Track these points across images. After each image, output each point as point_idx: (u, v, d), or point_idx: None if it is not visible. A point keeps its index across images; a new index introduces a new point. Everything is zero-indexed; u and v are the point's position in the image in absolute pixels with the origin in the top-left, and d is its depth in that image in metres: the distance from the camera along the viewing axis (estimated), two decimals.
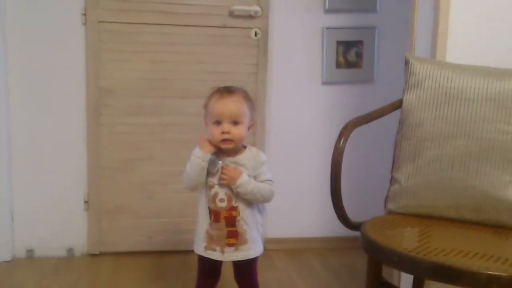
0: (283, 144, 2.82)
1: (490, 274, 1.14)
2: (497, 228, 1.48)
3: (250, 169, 1.67)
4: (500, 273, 1.14)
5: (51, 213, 2.65)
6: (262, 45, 2.72)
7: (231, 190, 1.64)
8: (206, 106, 1.70)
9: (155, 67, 2.64)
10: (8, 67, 2.52)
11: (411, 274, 1.33)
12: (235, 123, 1.62)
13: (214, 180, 1.65)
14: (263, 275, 2.19)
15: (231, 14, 2.65)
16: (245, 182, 1.62)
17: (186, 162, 2.68)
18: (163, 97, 2.66)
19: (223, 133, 1.61)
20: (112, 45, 2.59)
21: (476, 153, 1.48)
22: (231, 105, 1.62)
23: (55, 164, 2.63)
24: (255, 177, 1.67)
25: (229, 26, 2.67)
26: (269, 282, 2.41)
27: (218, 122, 1.62)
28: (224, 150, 1.65)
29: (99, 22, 2.56)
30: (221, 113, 1.62)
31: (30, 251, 2.65)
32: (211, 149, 1.63)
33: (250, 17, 2.67)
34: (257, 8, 2.66)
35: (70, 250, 2.70)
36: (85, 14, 2.54)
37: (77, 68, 2.58)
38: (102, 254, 2.71)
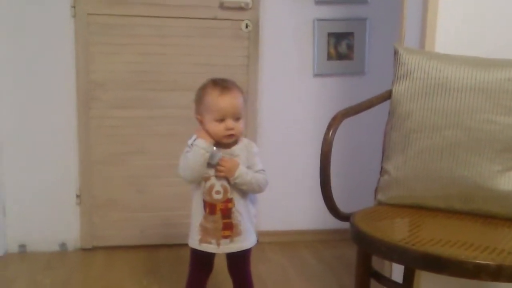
0: (274, 136, 2.82)
1: (477, 263, 1.14)
2: (486, 218, 1.49)
3: (244, 159, 1.67)
4: (488, 262, 1.14)
5: (43, 208, 2.65)
6: (253, 37, 2.71)
7: (228, 181, 1.64)
8: (200, 101, 1.68)
9: (146, 59, 2.63)
10: None
11: (400, 264, 1.34)
12: (237, 118, 1.63)
13: (210, 172, 1.64)
14: (256, 268, 2.20)
15: (222, 6, 2.64)
16: (243, 173, 1.63)
17: (177, 154, 2.68)
18: (153, 90, 2.66)
19: (227, 129, 1.61)
20: (102, 37, 2.58)
21: (465, 144, 1.48)
22: (233, 102, 1.62)
23: (47, 158, 2.62)
24: (248, 168, 1.67)
25: (219, 18, 2.66)
26: (262, 275, 2.42)
27: (221, 119, 1.61)
28: (221, 142, 1.65)
29: (88, 14, 2.54)
30: (225, 110, 1.61)
31: (22, 246, 2.65)
32: (212, 140, 1.63)
33: (241, 9, 2.67)
34: (248, 0, 2.65)
35: (62, 245, 2.70)
36: (74, 7, 2.53)
37: (66, 61, 2.56)
38: (94, 248, 2.71)
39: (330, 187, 1.49)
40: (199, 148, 1.61)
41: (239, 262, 1.77)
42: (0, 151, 2.57)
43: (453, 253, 1.18)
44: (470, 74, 1.50)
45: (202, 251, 1.70)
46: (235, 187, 1.65)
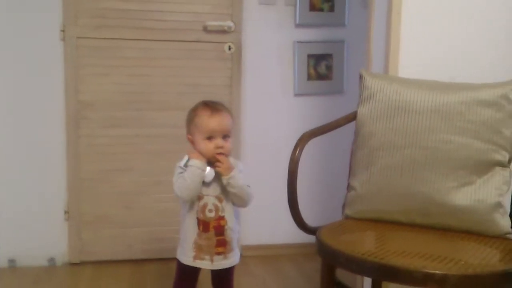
0: (257, 153, 2.92)
1: (425, 272, 1.25)
2: (444, 231, 1.59)
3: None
4: (435, 271, 1.25)
5: (33, 224, 2.72)
6: (236, 58, 2.83)
7: (219, 200, 1.72)
8: (191, 121, 1.77)
9: (133, 80, 2.74)
10: None
11: (358, 274, 1.44)
12: (225, 137, 1.72)
13: (203, 191, 1.72)
14: (239, 281, 2.27)
15: (205, 29, 2.76)
16: (237, 175, 1.70)
17: (164, 172, 2.78)
18: (141, 109, 2.76)
19: (217, 148, 1.69)
20: (91, 60, 2.69)
21: (422, 162, 1.59)
22: (222, 122, 1.72)
23: (36, 175, 2.70)
24: None
25: (203, 40, 2.77)
26: None
27: (210, 138, 1.70)
28: (212, 161, 1.72)
29: (77, 38, 2.65)
30: (214, 129, 1.70)
31: (12, 261, 2.72)
32: (204, 159, 1.71)
33: (224, 32, 2.78)
34: (230, 24, 2.77)
35: (51, 260, 2.76)
36: (63, 31, 2.63)
37: (56, 82, 2.66)
38: (82, 263, 2.77)
39: (297, 203, 1.60)
40: (195, 168, 1.68)
41: (225, 276, 1.85)
42: None
43: (405, 263, 1.29)
44: (427, 97, 1.61)
45: (190, 267, 1.77)
46: (226, 191, 1.71)
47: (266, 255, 2.96)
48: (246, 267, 2.78)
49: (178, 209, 2.81)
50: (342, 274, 1.57)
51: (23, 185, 2.70)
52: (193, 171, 1.68)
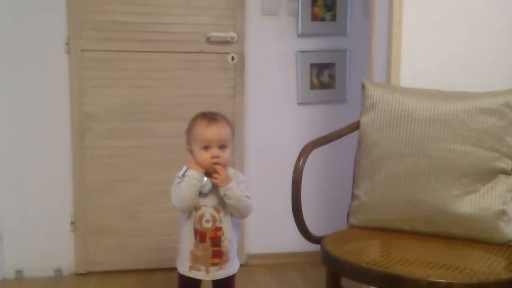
0: (261, 162, 2.93)
1: (430, 281, 1.26)
2: (448, 239, 1.60)
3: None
4: (439, 280, 1.26)
5: (39, 235, 2.74)
6: (238, 69, 2.85)
7: (217, 211, 1.73)
8: (189, 131, 1.78)
9: (137, 92, 2.76)
10: None
11: (363, 283, 1.45)
12: (222, 147, 1.72)
13: (200, 201, 1.73)
14: None
15: (208, 41, 2.78)
16: (234, 187, 1.69)
17: (168, 182, 2.79)
18: (144, 120, 2.78)
19: (213, 157, 1.70)
20: (95, 72, 2.71)
21: (426, 170, 1.60)
22: (219, 131, 1.72)
23: (42, 187, 2.72)
24: None
25: (206, 51, 2.80)
26: None
27: (206, 147, 1.71)
28: (210, 172, 1.73)
29: (82, 50, 2.67)
30: (210, 139, 1.71)
31: (19, 272, 2.73)
32: (202, 170, 1.72)
33: (227, 42, 2.81)
34: (233, 34, 2.79)
35: (58, 270, 2.78)
36: (68, 43, 2.66)
37: (61, 94, 2.69)
38: (88, 273, 2.79)
39: (301, 212, 1.61)
40: (191, 178, 1.69)
41: (225, 286, 1.85)
42: None
43: (409, 271, 1.29)
44: (430, 106, 1.63)
45: (189, 278, 1.78)
46: (224, 202, 1.71)
47: (271, 264, 2.97)
48: (251, 276, 2.79)
49: (181, 222, 2.84)
50: (347, 283, 1.58)
51: (30, 196, 2.72)
52: (189, 181, 1.69)
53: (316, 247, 2.83)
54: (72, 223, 2.77)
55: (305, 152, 1.64)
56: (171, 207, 2.77)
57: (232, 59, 2.83)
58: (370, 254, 1.48)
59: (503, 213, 1.56)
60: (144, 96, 2.77)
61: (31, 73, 2.66)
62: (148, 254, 2.84)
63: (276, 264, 2.96)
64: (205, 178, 1.71)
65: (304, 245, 2.96)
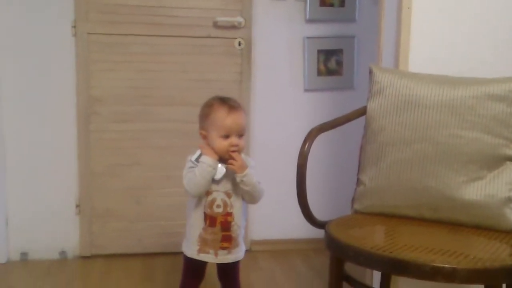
0: (267, 149, 2.93)
1: (434, 266, 1.25)
2: (453, 225, 1.59)
3: None
4: (444, 265, 1.25)
5: (44, 218, 2.75)
6: (245, 54, 2.83)
7: (228, 196, 1.73)
8: (206, 117, 1.75)
9: (143, 76, 2.75)
10: (2, 78, 2.63)
11: (366, 267, 1.45)
12: (240, 135, 1.72)
13: (212, 186, 1.72)
14: (247, 276, 2.29)
15: (215, 25, 2.77)
16: (250, 173, 1.70)
17: (173, 166, 2.79)
18: (150, 104, 2.77)
19: (231, 146, 1.70)
20: (102, 55, 2.71)
21: (433, 156, 1.58)
22: (239, 120, 1.72)
23: (48, 170, 2.74)
24: None
25: (213, 36, 2.78)
26: (253, 283, 2.51)
27: (226, 136, 1.70)
28: (225, 158, 1.72)
29: (88, 33, 2.67)
30: (231, 128, 1.69)
31: (24, 254, 2.75)
32: (216, 156, 1.71)
33: (234, 27, 2.79)
34: (240, 19, 2.77)
35: (62, 253, 2.80)
36: (75, 27, 2.65)
37: (68, 77, 2.69)
38: (93, 256, 2.81)
39: (306, 197, 1.60)
40: (206, 165, 1.68)
41: (231, 271, 1.86)
42: (4, 164, 2.68)
43: (414, 257, 1.29)
44: (437, 91, 1.61)
45: (197, 260, 1.78)
46: (236, 186, 1.71)
47: (275, 250, 2.97)
48: (255, 262, 2.80)
49: (189, 206, 2.84)
50: (351, 268, 1.57)
51: (35, 179, 2.73)
52: (204, 168, 1.68)
53: (320, 234, 2.84)
54: (77, 206, 2.78)
55: (310, 137, 1.63)
56: (177, 191, 2.81)
57: (239, 44, 2.81)
58: (374, 239, 1.48)
59: (509, 200, 1.55)
60: (150, 80, 2.76)
61: (37, 56, 2.66)
62: (152, 238, 2.85)
63: (279, 250, 2.97)
64: (219, 165, 1.70)
65: (308, 232, 2.97)
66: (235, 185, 1.73)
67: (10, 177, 2.70)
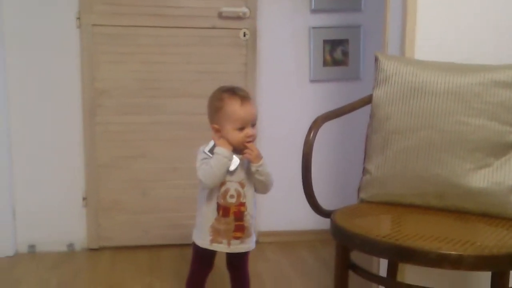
0: (273, 140, 2.91)
1: (440, 253, 1.24)
2: (459, 213, 1.57)
3: None
4: (450, 252, 1.24)
5: (52, 210, 2.77)
6: (251, 45, 2.82)
7: (241, 186, 1.73)
8: (217, 110, 1.72)
9: (148, 68, 2.75)
10: (7, 71, 2.64)
11: (372, 255, 1.44)
12: (253, 125, 1.73)
13: (226, 177, 1.72)
14: (254, 267, 2.28)
15: (220, 16, 2.76)
16: (265, 163, 1.71)
17: (179, 158, 2.79)
18: (156, 96, 2.77)
19: (247, 137, 1.70)
20: (106, 47, 2.70)
21: (439, 144, 1.57)
22: (253, 111, 1.72)
23: (55, 163, 2.75)
24: None
25: (218, 27, 2.77)
26: (261, 274, 2.51)
27: (241, 128, 1.69)
28: (240, 149, 1.72)
29: (93, 25, 2.67)
30: (246, 119, 1.69)
31: (32, 247, 2.77)
32: (231, 147, 1.71)
33: (239, 18, 2.78)
34: (245, 10, 2.76)
35: (70, 245, 2.81)
36: (79, 18, 2.65)
37: (73, 70, 2.69)
38: (101, 248, 2.82)
39: (311, 185, 1.59)
40: (221, 157, 1.67)
41: (240, 260, 1.87)
42: (10, 157, 2.69)
43: (420, 244, 1.28)
44: (444, 78, 1.59)
45: (208, 250, 1.78)
46: (249, 176, 1.72)
47: (282, 241, 2.97)
48: (262, 253, 2.80)
49: (193, 196, 2.84)
50: (357, 257, 1.56)
51: (42, 172, 2.74)
52: (219, 160, 1.68)
53: (327, 225, 2.84)
54: (84, 198, 2.79)
55: (316, 125, 1.62)
56: (183, 184, 2.82)
57: (244, 35, 2.80)
58: (381, 227, 1.47)
59: None
60: (155, 72, 2.76)
61: (42, 48, 2.66)
62: (159, 230, 2.86)
63: (286, 241, 2.97)
64: (234, 156, 1.70)
65: (315, 223, 2.98)
66: (249, 174, 1.73)
67: (16, 170, 2.71)
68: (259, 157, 1.70)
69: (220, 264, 1.90)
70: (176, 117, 2.80)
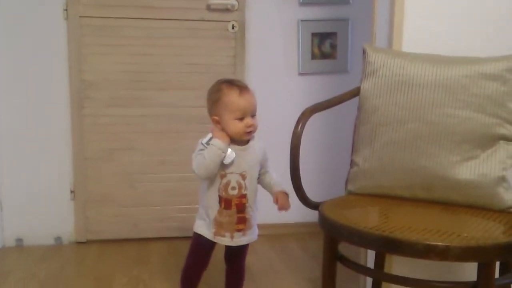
0: (262, 132, 2.85)
1: (427, 244, 1.25)
2: (446, 205, 1.59)
3: (261, 156, 1.81)
4: (437, 243, 1.25)
5: (39, 203, 2.75)
6: (239, 37, 2.81)
7: (243, 178, 1.74)
8: (216, 102, 1.72)
9: (136, 60, 2.74)
10: None
11: (360, 246, 1.44)
12: (253, 116, 1.73)
13: (226, 170, 1.72)
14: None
15: (209, 8, 2.75)
16: (284, 187, 1.81)
17: (168, 151, 2.78)
18: (143, 89, 2.76)
19: (247, 127, 1.70)
20: (94, 39, 2.69)
21: (426, 136, 1.58)
22: (252, 100, 1.72)
23: (42, 155, 2.73)
24: (265, 162, 1.84)
25: (206, 19, 2.76)
26: (250, 266, 2.50)
27: (241, 118, 1.69)
28: (240, 139, 1.73)
29: (80, 17, 2.65)
30: (245, 109, 1.69)
31: (19, 240, 2.75)
32: (228, 140, 1.71)
33: (227, 10, 2.77)
34: (234, 2, 2.75)
35: (58, 239, 2.80)
36: (66, 9, 2.63)
37: (60, 61, 2.67)
38: (88, 242, 2.81)
39: (299, 177, 1.60)
40: (216, 148, 1.67)
41: (240, 253, 1.89)
42: None
43: (407, 235, 1.29)
44: (431, 71, 1.60)
45: (208, 242, 1.78)
46: (251, 168, 1.76)
47: (270, 234, 2.97)
48: (251, 246, 2.73)
49: (182, 189, 2.83)
50: (345, 249, 1.57)
51: (29, 164, 2.73)
52: (213, 151, 1.67)
53: (315, 218, 2.85)
54: (71, 191, 2.77)
55: (304, 117, 1.63)
56: (172, 177, 2.81)
57: (233, 28, 2.79)
58: (368, 219, 1.47)
59: (502, 179, 1.54)
60: (143, 64, 2.75)
61: (29, 40, 2.64)
62: (147, 223, 2.85)
63: (275, 234, 2.98)
64: (229, 150, 1.70)
65: (304, 216, 2.98)
66: (250, 166, 1.75)
67: (3, 163, 2.69)
68: (287, 203, 1.81)
69: (217, 256, 1.90)
70: (164, 109, 2.79)
